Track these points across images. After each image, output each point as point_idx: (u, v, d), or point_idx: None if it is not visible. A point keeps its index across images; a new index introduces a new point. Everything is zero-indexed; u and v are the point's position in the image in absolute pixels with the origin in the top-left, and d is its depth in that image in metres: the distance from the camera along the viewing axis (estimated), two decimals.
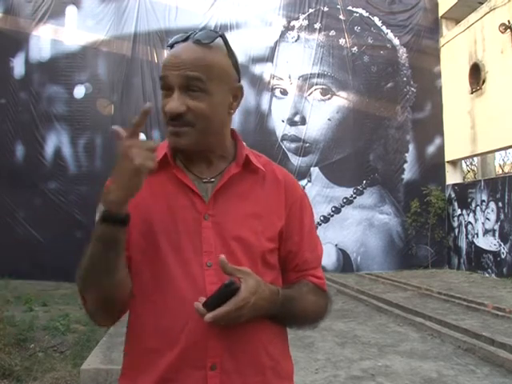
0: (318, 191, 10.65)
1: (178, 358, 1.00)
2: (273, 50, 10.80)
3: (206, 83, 1.02)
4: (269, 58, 10.79)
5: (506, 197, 8.92)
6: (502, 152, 15.99)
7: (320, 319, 1.17)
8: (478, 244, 9.78)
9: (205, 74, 1.02)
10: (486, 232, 9.53)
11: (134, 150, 0.91)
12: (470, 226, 10.12)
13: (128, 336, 1.09)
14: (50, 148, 10.06)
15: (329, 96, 10.87)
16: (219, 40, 1.06)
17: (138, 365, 1.04)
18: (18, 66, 10.10)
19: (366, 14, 11.04)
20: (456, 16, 10.90)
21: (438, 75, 11.23)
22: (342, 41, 10.96)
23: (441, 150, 11.13)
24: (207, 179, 1.09)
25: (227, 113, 1.09)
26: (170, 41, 1.09)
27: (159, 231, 1.04)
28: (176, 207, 1.06)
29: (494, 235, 9.26)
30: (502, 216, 9.01)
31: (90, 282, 1.00)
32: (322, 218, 10.62)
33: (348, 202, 10.77)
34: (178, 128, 1.03)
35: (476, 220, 9.89)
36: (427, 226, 10.71)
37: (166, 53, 10.38)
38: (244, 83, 1.15)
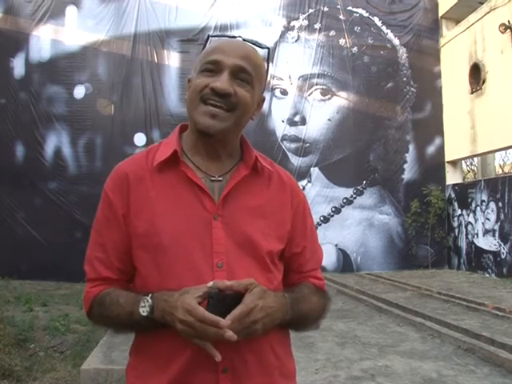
0: (318, 191, 10.65)
1: (190, 361, 0.99)
2: (273, 50, 10.79)
3: (253, 79, 1.07)
4: (269, 58, 10.77)
5: (506, 197, 8.92)
6: (502, 152, 15.99)
7: (322, 318, 1.18)
8: (478, 244, 9.78)
9: (253, 70, 1.08)
10: (486, 232, 9.52)
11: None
12: (470, 226, 10.12)
13: (136, 338, 1.09)
14: (49, 148, 10.06)
15: (329, 96, 10.87)
16: (266, 51, 1.17)
17: (147, 369, 1.03)
18: (18, 66, 10.09)
19: (366, 14, 11.04)
20: (456, 16, 10.90)
21: (438, 75, 11.23)
22: (341, 41, 10.96)
23: (441, 150, 11.13)
24: (215, 177, 1.08)
25: (251, 115, 1.12)
26: (214, 34, 1.14)
27: (167, 229, 1.03)
28: (184, 205, 1.05)
29: (493, 235, 9.25)
30: (502, 216, 9.01)
31: (110, 329, 1.12)
32: (321, 218, 10.62)
33: (348, 202, 10.77)
34: (218, 110, 1.03)
35: (476, 220, 9.88)
36: (427, 226, 10.71)
37: (165, 53, 10.40)
38: None
